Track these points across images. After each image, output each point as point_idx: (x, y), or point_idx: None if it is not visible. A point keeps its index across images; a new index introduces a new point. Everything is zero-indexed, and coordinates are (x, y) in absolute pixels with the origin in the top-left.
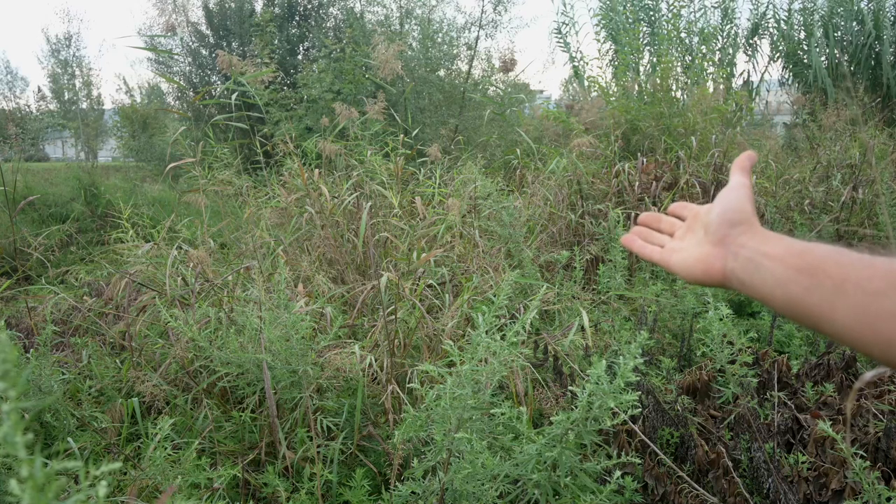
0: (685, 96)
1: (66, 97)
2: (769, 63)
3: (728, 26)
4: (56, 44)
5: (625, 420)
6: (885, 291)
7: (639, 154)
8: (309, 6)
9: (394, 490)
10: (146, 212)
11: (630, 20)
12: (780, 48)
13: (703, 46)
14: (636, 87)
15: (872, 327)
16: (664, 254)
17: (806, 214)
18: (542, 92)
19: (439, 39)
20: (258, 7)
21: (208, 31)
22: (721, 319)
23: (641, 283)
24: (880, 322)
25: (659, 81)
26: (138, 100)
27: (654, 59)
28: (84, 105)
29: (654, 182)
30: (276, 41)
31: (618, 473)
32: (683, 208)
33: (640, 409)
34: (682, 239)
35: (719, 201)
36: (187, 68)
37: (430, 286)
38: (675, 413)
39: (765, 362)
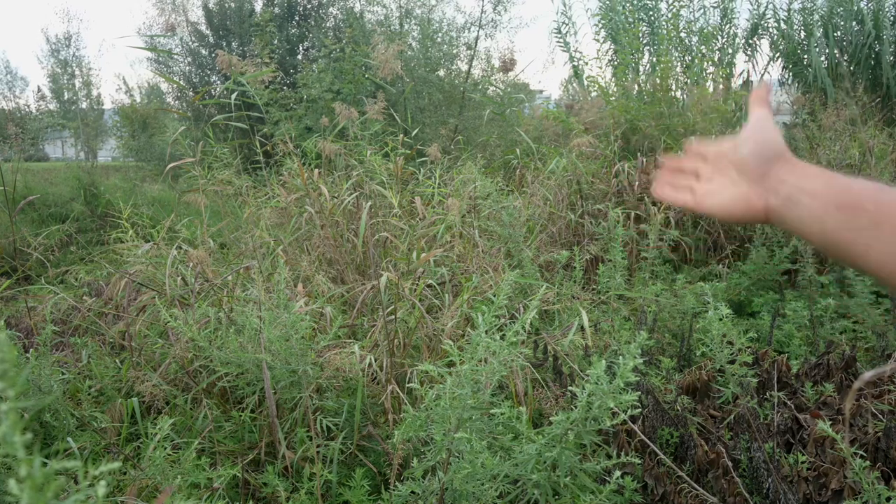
0: (685, 96)
1: (66, 97)
2: (769, 63)
3: (727, 26)
4: (56, 44)
5: (624, 420)
6: None
7: (638, 154)
8: (309, 6)
9: (393, 490)
10: (146, 212)
11: (629, 20)
12: (780, 48)
13: (703, 46)
14: (636, 86)
15: None
16: (698, 199)
17: None
18: (541, 92)
19: (439, 39)
20: (258, 7)
21: (208, 31)
22: (721, 319)
23: (641, 283)
24: None
25: (659, 81)
26: (138, 100)
27: (654, 59)
28: (84, 105)
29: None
30: (275, 41)
31: (617, 473)
32: (703, 148)
33: (639, 409)
34: (712, 180)
35: (750, 138)
36: (187, 68)
37: (429, 286)
38: (674, 413)
39: (764, 362)
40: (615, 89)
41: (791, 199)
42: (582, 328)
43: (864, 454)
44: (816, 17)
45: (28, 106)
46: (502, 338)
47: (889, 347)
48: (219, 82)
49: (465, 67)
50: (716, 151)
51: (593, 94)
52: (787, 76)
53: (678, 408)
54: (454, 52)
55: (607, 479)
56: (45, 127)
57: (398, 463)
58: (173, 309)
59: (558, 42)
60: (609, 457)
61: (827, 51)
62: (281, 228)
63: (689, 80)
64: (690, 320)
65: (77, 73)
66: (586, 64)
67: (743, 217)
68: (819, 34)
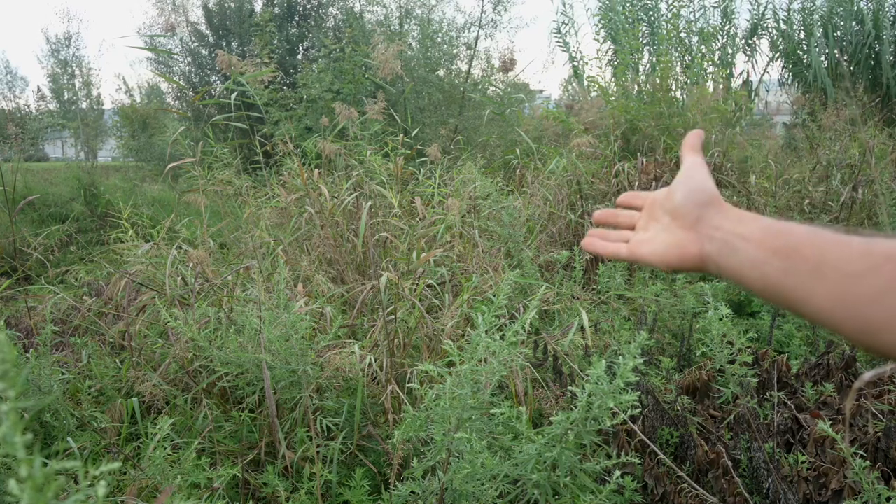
0: (685, 96)
1: (66, 97)
2: (769, 63)
3: (727, 26)
4: (56, 44)
5: (624, 420)
6: (862, 273)
7: (638, 154)
8: (308, 6)
9: (393, 490)
10: (146, 212)
11: (629, 20)
12: (780, 48)
13: (703, 46)
14: (636, 86)
15: (850, 311)
16: (632, 248)
17: (805, 214)
18: (541, 92)
19: (439, 39)
20: (258, 7)
21: (208, 31)
22: (721, 319)
23: (641, 283)
24: (858, 306)
25: (658, 81)
26: (138, 100)
27: (654, 59)
28: (84, 105)
29: (653, 182)
30: (275, 41)
31: (617, 473)
32: (635, 197)
33: (639, 409)
34: (646, 229)
35: (682, 183)
36: (187, 68)
37: (429, 286)
38: (674, 413)
39: (764, 362)
40: (615, 89)
41: (727, 245)
42: (582, 328)
43: (864, 454)
44: (816, 17)
45: (28, 106)
46: (502, 338)
47: None
48: (219, 82)
49: (465, 67)
50: (650, 200)
51: (593, 94)
52: (787, 76)
53: (678, 408)
54: (454, 52)
55: (607, 479)
56: (45, 127)
57: (398, 463)
58: (173, 309)
59: (558, 42)
60: (609, 457)
61: (827, 51)
62: (281, 228)
63: (689, 80)
64: (690, 320)
65: (77, 73)
66: (586, 64)
67: (679, 265)
68: (819, 34)
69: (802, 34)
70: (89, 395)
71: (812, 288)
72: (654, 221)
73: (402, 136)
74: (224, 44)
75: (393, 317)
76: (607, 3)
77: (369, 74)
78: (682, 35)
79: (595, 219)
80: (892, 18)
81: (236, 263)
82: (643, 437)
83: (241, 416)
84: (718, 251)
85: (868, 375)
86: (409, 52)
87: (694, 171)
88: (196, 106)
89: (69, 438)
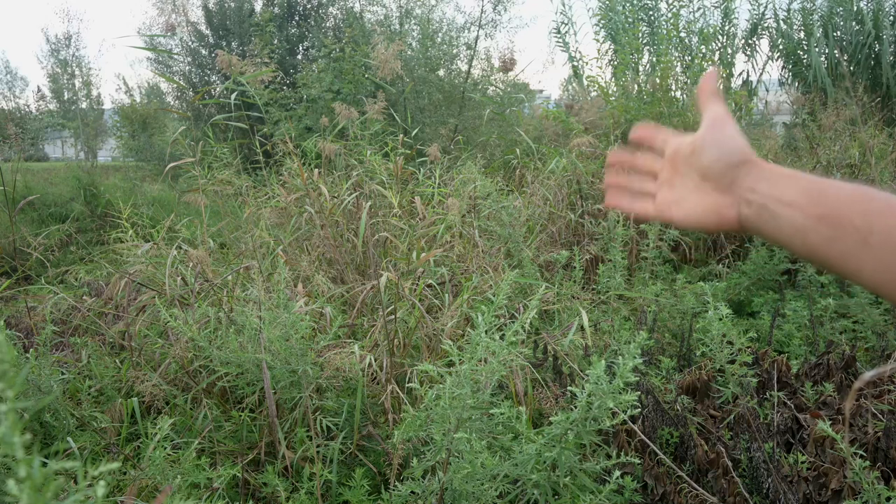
0: (685, 96)
1: (66, 97)
2: (767, 62)
3: (727, 26)
4: (56, 43)
5: (624, 420)
6: None
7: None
8: (308, 6)
9: (393, 490)
10: (146, 212)
11: (629, 20)
12: (780, 48)
13: (703, 46)
14: (635, 86)
15: None
16: (661, 209)
17: None
18: (541, 92)
19: (439, 39)
20: (258, 7)
21: (208, 31)
22: (721, 319)
23: (641, 283)
24: None
25: (658, 81)
26: (138, 99)
27: (654, 59)
28: (84, 105)
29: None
30: (275, 41)
31: (617, 473)
32: (653, 138)
33: (639, 409)
34: (672, 185)
35: (710, 141)
36: (187, 68)
37: (429, 286)
38: (674, 413)
39: (764, 362)
40: (615, 89)
41: (766, 210)
42: (582, 328)
43: (864, 454)
44: (816, 17)
45: (28, 106)
46: (502, 338)
47: (889, 347)
48: (219, 82)
49: (464, 67)
50: (673, 149)
51: (593, 94)
52: (786, 76)
53: (678, 408)
54: (454, 51)
55: (607, 479)
56: (45, 127)
57: (398, 463)
58: (173, 309)
59: (558, 42)
60: (609, 457)
61: (827, 51)
62: (281, 228)
63: (689, 80)
64: (690, 320)
65: (77, 73)
66: (586, 64)
67: (716, 228)
68: (819, 34)
69: (802, 34)
70: (89, 395)
71: (861, 258)
72: (681, 177)
73: (402, 136)
74: (224, 44)
75: (393, 317)
76: (607, 3)
77: (369, 74)
78: (682, 35)
79: (609, 160)
80: (892, 18)
81: (236, 263)
82: (643, 437)
83: (240, 416)
84: (758, 215)
85: (868, 375)
86: (409, 52)
87: (720, 125)
88: (196, 106)
89: (69, 438)
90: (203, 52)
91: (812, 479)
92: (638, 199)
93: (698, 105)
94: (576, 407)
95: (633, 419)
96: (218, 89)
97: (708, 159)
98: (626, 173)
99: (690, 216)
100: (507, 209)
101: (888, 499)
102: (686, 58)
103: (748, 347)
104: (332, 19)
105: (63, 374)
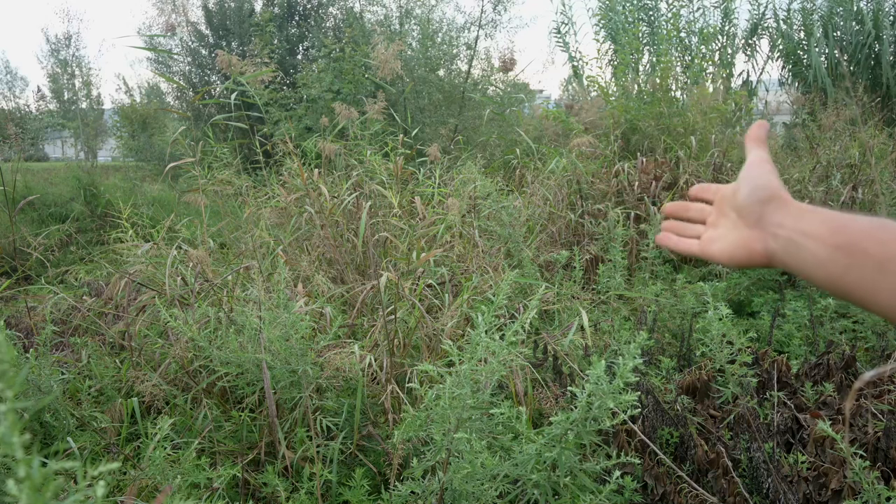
0: (684, 96)
1: (66, 97)
2: (767, 62)
3: (727, 26)
4: (56, 43)
5: (624, 420)
6: None
7: (638, 154)
8: (309, 6)
9: (393, 490)
10: (146, 212)
11: (629, 20)
12: (780, 48)
13: (703, 46)
14: (635, 86)
15: None
16: (703, 245)
17: None
18: (541, 92)
19: (439, 39)
20: (258, 7)
21: (208, 31)
22: (720, 319)
23: (641, 283)
24: None
25: (658, 81)
26: (138, 99)
27: (654, 59)
28: (84, 105)
29: (653, 182)
30: (275, 41)
31: (617, 473)
32: (706, 191)
33: (639, 409)
34: (716, 225)
35: (745, 180)
36: (187, 68)
37: (429, 286)
38: (674, 413)
39: (764, 362)
40: (615, 89)
41: (791, 243)
42: (582, 328)
43: (864, 454)
44: (816, 17)
45: (28, 106)
46: (502, 338)
47: (889, 347)
48: (219, 82)
49: (464, 67)
50: (720, 195)
51: (593, 94)
52: (786, 76)
53: (678, 408)
54: (454, 51)
55: (607, 479)
56: (45, 127)
57: (398, 463)
58: (173, 309)
59: (558, 42)
60: (609, 457)
61: (827, 51)
62: (281, 228)
63: (688, 80)
64: (690, 320)
65: (77, 73)
66: (586, 64)
67: (747, 263)
68: (819, 34)
69: (802, 34)
70: (89, 395)
71: (877, 285)
72: (724, 217)
73: (402, 136)
74: (224, 44)
75: (393, 317)
76: (607, 3)
77: (369, 74)
78: (682, 35)
79: (665, 211)
80: (892, 18)
81: (236, 263)
82: (643, 437)
83: (240, 416)
84: (784, 249)
85: (868, 375)
86: (409, 52)
87: (757, 166)
88: (196, 106)
89: (69, 438)
90: (203, 52)
91: (812, 479)
92: (684, 240)
93: (745, 148)
94: (576, 407)
95: (633, 419)
96: (218, 89)
97: (742, 196)
98: (680, 222)
99: (725, 251)
100: (507, 209)
101: (888, 499)
102: (686, 58)
103: (748, 347)
104: (332, 19)
105: (63, 374)
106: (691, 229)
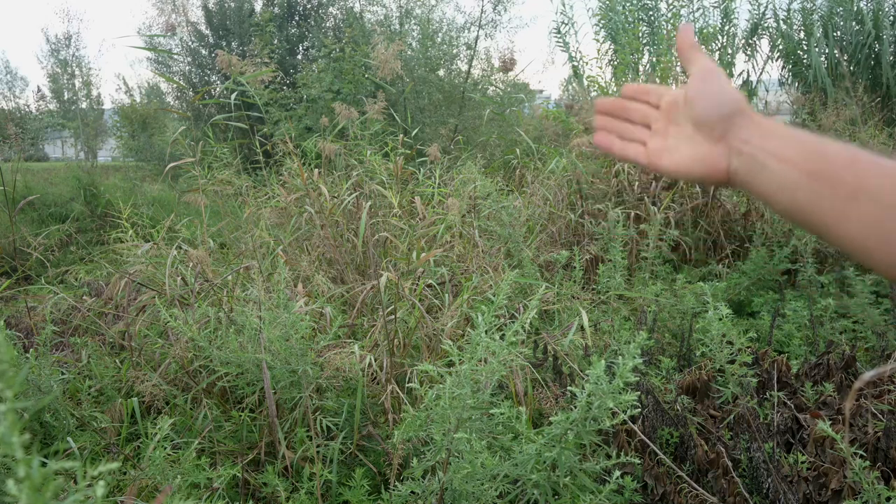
0: None
1: (66, 97)
2: (767, 62)
3: (727, 26)
4: (56, 43)
5: (624, 420)
6: None
7: None
8: (308, 6)
9: (393, 490)
10: (146, 212)
11: (629, 20)
12: (780, 48)
13: (703, 46)
14: None
15: (884, 242)
16: (652, 156)
17: None
18: (541, 92)
19: (439, 39)
20: (258, 7)
21: (208, 31)
22: (721, 319)
23: (641, 283)
24: (893, 237)
25: (658, 81)
26: (138, 99)
27: (654, 59)
28: (84, 105)
29: (653, 182)
30: (275, 41)
31: (617, 473)
32: (645, 93)
33: (639, 409)
34: (665, 134)
35: (701, 94)
36: (187, 68)
37: (429, 286)
38: (674, 413)
39: (764, 362)
40: (615, 89)
41: (756, 162)
42: (582, 328)
43: (864, 454)
44: (816, 17)
45: (28, 106)
46: (502, 338)
47: (889, 347)
48: (219, 82)
49: (464, 67)
50: (668, 100)
51: (593, 94)
52: (786, 76)
53: (678, 408)
54: (454, 51)
55: (607, 479)
56: (45, 127)
57: (398, 463)
58: (173, 309)
59: (558, 42)
60: (609, 457)
61: (827, 51)
62: (281, 228)
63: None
64: (690, 320)
65: (77, 73)
66: (586, 64)
67: (703, 178)
68: (819, 34)
69: (802, 34)
70: (89, 395)
71: (847, 214)
72: (675, 126)
73: (402, 136)
74: (224, 44)
75: (393, 317)
76: (607, 3)
77: (369, 74)
78: None
79: (599, 106)
80: (892, 18)
81: (236, 263)
82: (643, 437)
83: (240, 416)
84: (747, 168)
85: (868, 375)
86: (409, 52)
87: (710, 76)
88: (196, 106)
89: (69, 438)
90: (203, 52)
91: (812, 479)
92: (630, 145)
93: (681, 60)
94: (576, 407)
95: (633, 419)
96: (218, 89)
97: (700, 109)
98: (619, 121)
99: (680, 165)
100: (507, 209)
101: (888, 499)
102: None
103: (748, 347)
104: (332, 19)
105: (63, 374)
106: (634, 132)
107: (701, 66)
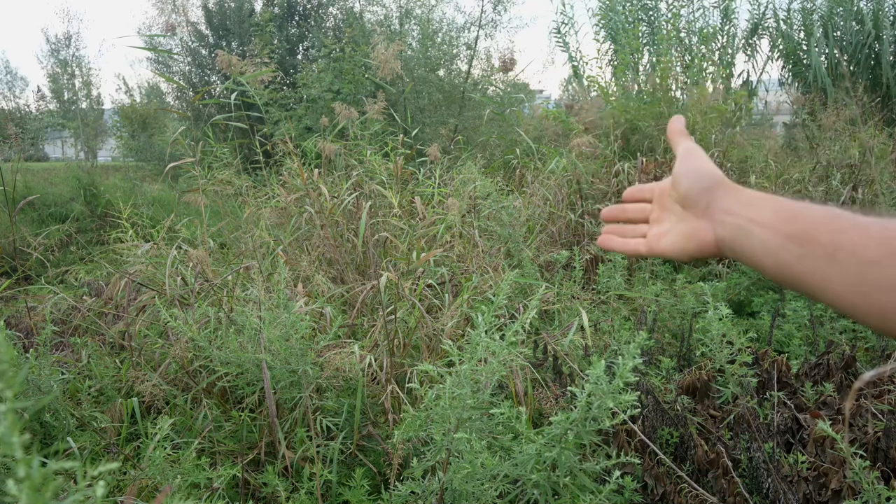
0: (684, 96)
1: (66, 97)
2: (767, 62)
3: (727, 26)
4: (56, 43)
5: (624, 420)
6: (879, 260)
7: (638, 154)
8: (308, 6)
9: (393, 490)
10: (146, 212)
11: (629, 20)
12: (780, 48)
13: (703, 46)
14: (635, 86)
15: (867, 297)
16: (651, 243)
17: None
18: (541, 92)
19: (439, 39)
20: (258, 7)
21: (208, 31)
22: (720, 319)
23: (641, 283)
24: (875, 292)
25: (658, 81)
26: (138, 99)
27: (654, 59)
28: (84, 105)
29: (653, 182)
30: (275, 41)
31: (617, 473)
32: (640, 191)
33: (639, 409)
34: (660, 221)
35: (684, 172)
36: (187, 68)
37: (429, 286)
38: (674, 413)
39: (764, 362)
40: (615, 89)
41: (740, 230)
42: (582, 328)
43: (864, 454)
44: (816, 17)
45: (28, 106)
46: (502, 338)
47: (889, 347)
48: (219, 82)
49: (464, 67)
50: (658, 191)
51: (593, 94)
52: (786, 76)
53: (678, 408)
54: (454, 52)
55: (607, 479)
56: (45, 127)
57: (398, 463)
58: (173, 309)
59: (558, 42)
60: (609, 457)
61: (827, 51)
62: (281, 228)
63: (688, 80)
64: (690, 320)
65: (77, 73)
66: (586, 64)
67: (697, 253)
68: (819, 34)
69: (802, 34)
70: (89, 395)
71: (828, 274)
72: (667, 212)
73: (402, 136)
74: (224, 44)
75: (393, 317)
76: (607, 3)
77: (369, 74)
78: (682, 35)
79: (603, 216)
80: (892, 18)
81: (236, 263)
82: (643, 437)
83: (240, 416)
84: (732, 236)
85: (868, 375)
86: (409, 52)
87: (692, 156)
88: (196, 106)
89: (69, 438)
90: (203, 52)
91: (812, 479)
92: (630, 241)
93: (671, 144)
94: (576, 407)
95: (633, 419)
96: (218, 89)
97: (684, 187)
98: (621, 225)
99: (675, 244)
100: (507, 209)
101: (888, 499)
102: (686, 58)
103: (748, 347)
104: (332, 19)
105: (63, 374)
106: (634, 230)
107: (684, 147)
